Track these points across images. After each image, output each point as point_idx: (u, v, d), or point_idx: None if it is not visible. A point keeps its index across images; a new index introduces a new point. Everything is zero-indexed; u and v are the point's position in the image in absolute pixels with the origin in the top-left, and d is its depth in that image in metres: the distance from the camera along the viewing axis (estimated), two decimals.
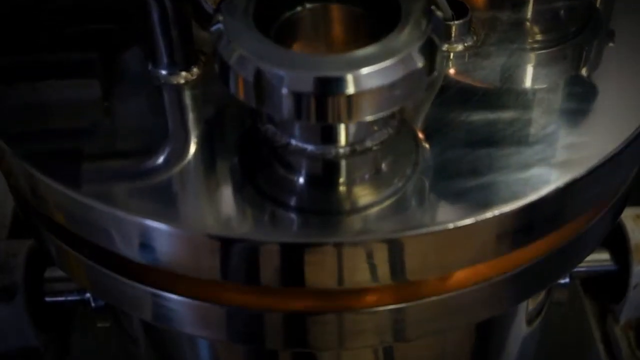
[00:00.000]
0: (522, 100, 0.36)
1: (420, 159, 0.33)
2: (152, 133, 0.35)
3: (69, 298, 0.51)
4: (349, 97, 0.28)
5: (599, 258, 0.56)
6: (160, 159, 0.34)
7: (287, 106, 0.29)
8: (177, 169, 0.33)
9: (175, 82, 0.37)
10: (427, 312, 0.35)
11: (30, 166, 0.34)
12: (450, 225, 0.31)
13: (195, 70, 0.37)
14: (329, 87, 0.28)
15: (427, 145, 0.34)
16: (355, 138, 0.32)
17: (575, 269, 0.48)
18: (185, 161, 0.34)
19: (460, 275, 0.35)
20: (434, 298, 0.34)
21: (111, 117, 0.36)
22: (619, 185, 0.37)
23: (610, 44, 0.39)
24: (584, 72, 0.38)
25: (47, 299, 0.52)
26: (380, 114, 0.30)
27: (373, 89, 0.29)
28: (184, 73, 0.37)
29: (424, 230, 0.31)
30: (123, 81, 0.37)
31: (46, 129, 0.36)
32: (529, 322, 0.47)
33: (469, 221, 0.31)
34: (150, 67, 0.37)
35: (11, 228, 0.60)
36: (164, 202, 0.32)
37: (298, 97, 0.29)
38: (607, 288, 0.58)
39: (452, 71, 0.38)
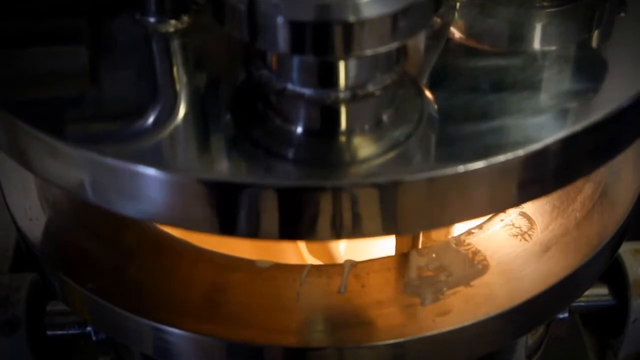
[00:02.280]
0: (532, 48, 0.34)
1: (426, 105, 0.31)
2: (140, 83, 0.33)
3: (70, 331, 0.51)
4: (350, 26, 0.26)
5: (598, 292, 0.56)
6: (149, 110, 0.31)
7: (282, 38, 0.27)
8: (166, 120, 0.31)
9: (164, 30, 0.34)
10: (426, 346, 0.35)
11: (13, 115, 0.31)
12: (461, 169, 0.28)
13: (185, 18, 0.34)
14: (328, 14, 0.26)
15: (433, 91, 0.31)
16: (356, 81, 0.29)
17: (574, 304, 0.48)
18: (175, 112, 0.31)
19: (460, 309, 0.35)
20: (433, 332, 0.35)
21: (97, 67, 0.34)
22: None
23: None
24: (596, 26, 0.36)
25: (49, 332, 0.52)
26: (383, 48, 0.28)
27: (375, 18, 0.26)
28: (173, 21, 0.34)
29: (432, 174, 0.28)
30: (109, 30, 0.35)
31: (29, 79, 0.33)
32: (529, 356, 0.47)
33: (480, 164, 0.28)
34: (137, 15, 0.35)
35: (13, 261, 0.60)
36: (155, 151, 0.30)
37: (295, 27, 0.26)
38: (606, 322, 0.58)
39: (458, 22, 0.35)
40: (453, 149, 0.29)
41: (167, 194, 0.29)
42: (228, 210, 0.29)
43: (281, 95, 0.29)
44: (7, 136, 0.32)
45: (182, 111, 0.31)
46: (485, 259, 0.37)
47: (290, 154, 0.29)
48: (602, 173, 0.41)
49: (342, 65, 0.29)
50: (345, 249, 0.54)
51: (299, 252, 0.57)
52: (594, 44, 0.35)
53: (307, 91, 0.29)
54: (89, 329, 0.50)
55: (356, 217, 0.29)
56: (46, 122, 0.30)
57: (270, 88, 0.30)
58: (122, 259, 0.38)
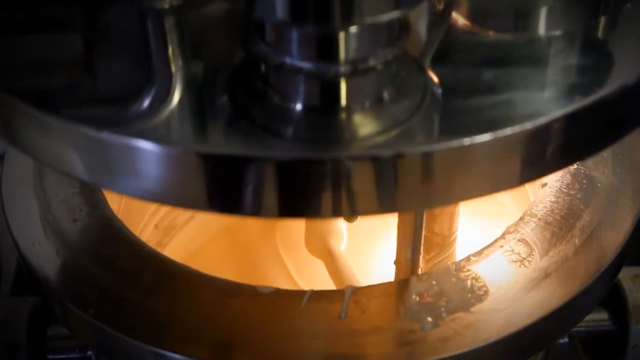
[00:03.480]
0: (538, 26, 0.33)
1: (429, 84, 0.30)
2: (135, 61, 0.32)
3: (71, 355, 0.51)
4: None
5: (598, 318, 0.56)
6: (144, 88, 0.30)
7: (281, 5, 0.26)
8: (162, 98, 0.30)
9: (159, 6, 0.33)
10: None
11: (6, 94, 0.30)
12: (467, 141, 0.27)
13: None
14: None
15: (437, 67, 0.31)
16: (357, 55, 0.28)
17: (574, 329, 0.48)
18: (171, 89, 0.30)
19: (460, 335, 0.35)
20: (434, 358, 0.35)
21: (90, 45, 0.33)
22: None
23: None
24: (604, 6, 0.34)
25: (50, 356, 0.51)
26: (385, 16, 0.27)
27: None
28: None
29: (436, 147, 0.27)
30: (102, 6, 0.34)
31: (20, 57, 0.33)
32: None
33: (486, 137, 0.27)
34: None
35: (14, 285, 0.60)
36: (152, 126, 0.29)
37: None
38: (606, 348, 0.58)
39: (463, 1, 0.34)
40: (457, 122, 0.28)
41: (163, 169, 0.28)
42: (225, 185, 0.28)
43: (279, 70, 0.28)
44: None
45: (178, 89, 0.30)
46: (485, 285, 0.37)
47: (289, 130, 0.28)
48: (600, 199, 0.41)
49: (342, 37, 0.28)
50: (345, 249, 0.54)
51: (293, 280, 0.57)
52: (602, 23, 0.34)
53: (306, 65, 0.28)
54: (89, 353, 0.50)
55: (356, 192, 0.28)
56: (39, 99, 0.30)
57: (268, 63, 0.29)
58: (124, 284, 0.38)
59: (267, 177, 0.27)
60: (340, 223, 0.54)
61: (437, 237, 0.43)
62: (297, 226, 0.57)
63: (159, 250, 0.41)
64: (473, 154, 0.28)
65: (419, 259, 0.40)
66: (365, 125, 0.28)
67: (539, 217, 0.40)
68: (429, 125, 0.28)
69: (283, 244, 0.59)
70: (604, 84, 0.30)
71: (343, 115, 0.29)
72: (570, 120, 0.29)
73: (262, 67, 0.29)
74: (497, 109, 0.29)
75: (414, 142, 0.27)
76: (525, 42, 0.32)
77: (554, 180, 0.42)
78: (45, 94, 0.30)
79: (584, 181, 0.42)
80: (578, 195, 0.41)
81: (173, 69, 0.31)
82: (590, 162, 0.43)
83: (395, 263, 0.41)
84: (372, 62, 0.28)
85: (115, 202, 0.48)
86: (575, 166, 0.43)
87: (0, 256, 0.57)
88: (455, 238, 0.44)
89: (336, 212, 0.28)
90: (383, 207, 0.28)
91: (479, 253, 0.38)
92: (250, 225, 0.61)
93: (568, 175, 0.42)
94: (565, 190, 0.41)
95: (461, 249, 0.44)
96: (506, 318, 0.36)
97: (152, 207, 0.55)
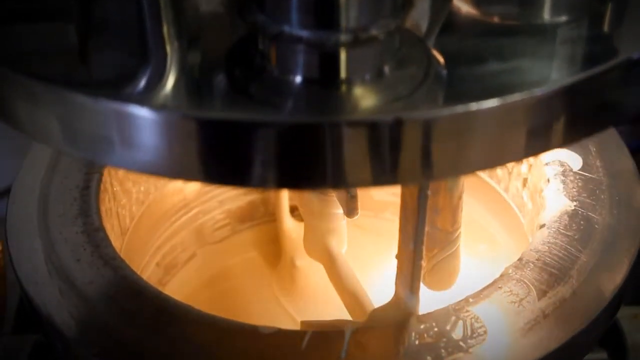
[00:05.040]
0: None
1: (434, 57, 0.29)
2: (129, 30, 0.31)
3: None
4: None
5: (597, 357, 0.56)
6: (138, 59, 0.29)
7: None
8: (157, 75, 0.29)
9: None
10: None
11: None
12: (473, 106, 0.26)
13: None
14: None
15: (442, 37, 0.30)
16: (358, 23, 0.27)
17: None
18: (166, 67, 0.29)
19: None
20: None
21: (82, 14, 0.32)
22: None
23: None
24: None
25: None
26: None
27: None
28: None
29: (440, 112, 0.26)
30: None
31: (8, 24, 0.32)
32: None
33: (493, 102, 0.26)
34: None
35: (15, 323, 0.60)
36: (146, 96, 0.28)
37: None
38: None
39: None
40: (461, 89, 0.27)
41: (158, 136, 0.27)
42: (220, 153, 0.27)
43: (278, 40, 0.27)
44: None
45: (174, 66, 0.29)
46: (483, 326, 0.37)
47: (289, 103, 0.27)
48: (598, 241, 0.41)
49: (342, 3, 0.26)
50: (346, 253, 0.53)
51: (293, 319, 0.57)
52: None
53: (305, 33, 0.27)
54: None
55: (355, 161, 0.26)
56: (29, 69, 0.29)
57: (266, 33, 0.27)
58: (126, 323, 0.38)
59: (263, 144, 0.26)
60: (341, 223, 0.52)
61: (440, 232, 0.42)
62: (295, 268, 0.57)
63: (160, 288, 0.41)
64: (479, 120, 0.26)
65: (421, 250, 0.38)
66: (366, 98, 0.27)
67: (537, 258, 0.40)
68: (432, 99, 0.27)
69: (281, 287, 0.59)
70: (612, 54, 0.29)
71: (343, 88, 0.27)
72: (580, 88, 0.28)
73: (260, 41, 0.28)
74: (503, 77, 0.28)
75: (422, 102, 0.26)
76: (531, 13, 0.31)
77: (552, 222, 0.42)
78: (35, 64, 0.29)
79: (582, 222, 0.42)
80: (576, 237, 0.41)
81: (169, 45, 0.30)
82: (587, 203, 0.43)
83: (397, 257, 0.40)
84: (373, 32, 0.27)
85: (118, 241, 0.49)
86: (572, 207, 0.43)
87: (4, 294, 0.58)
88: (459, 235, 0.43)
89: (335, 182, 0.27)
90: (383, 177, 0.27)
91: (478, 294, 0.39)
92: (249, 265, 0.61)
93: (566, 217, 0.43)
94: (563, 232, 0.42)
95: (460, 288, 0.44)
96: (505, 359, 0.36)
97: (154, 245, 0.56)
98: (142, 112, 0.27)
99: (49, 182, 0.46)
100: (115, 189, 0.49)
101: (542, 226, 0.42)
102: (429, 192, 0.37)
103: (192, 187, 0.58)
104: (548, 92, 0.27)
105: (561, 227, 0.42)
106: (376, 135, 0.26)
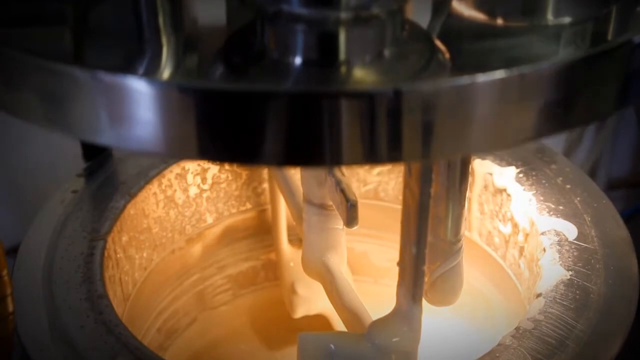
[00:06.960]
0: None
1: (437, 47, 0.28)
2: (126, 11, 0.30)
3: None
4: None
5: None
6: (134, 40, 0.29)
7: None
8: (157, 55, 0.28)
9: None
10: None
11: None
12: (480, 78, 0.25)
13: None
14: None
15: (444, 13, 0.29)
16: (358, 0, 0.26)
17: None
18: (163, 51, 0.28)
19: None
20: None
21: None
22: None
23: None
24: None
25: None
26: None
27: None
28: None
29: (443, 83, 0.25)
30: None
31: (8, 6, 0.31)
32: None
33: (500, 74, 0.25)
34: None
35: None
36: (142, 73, 0.26)
37: None
38: None
39: None
40: (465, 61, 0.26)
41: (154, 109, 0.26)
42: (217, 127, 0.26)
43: (277, 19, 0.26)
44: None
45: (171, 50, 0.28)
46: None
47: (288, 83, 0.26)
48: (593, 310, 0.42)
49: None
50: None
51: None
52: None
53: (304, 11, 0.26)
54: None
55: (353, 136, 0.25)
56: (25, 45, 0.28)
57: (264, 12, 0.27)
58: None
59: (260, 115, 0.25)
60: (341, 239, 0.50)
61: (442, 242, 0.41)
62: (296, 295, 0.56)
63: (161, 353, 0.42)
64: (482, 94, 0.25)
65: (424, 253, 0.36)
66: (366, 80, 0.26)
67: (534, 327, 0.41)
68: (442, 54, 0.27)
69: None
70: (619, 34, 0.28)
71: (343, 69, 0.26)
72: (590, 63, 0.27)
73: (259, 23, 0.28)
74: (508, 52, 0.27)
75: (425, 75, 0.25)
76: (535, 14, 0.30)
77: (548, 291, 0.43)
78: (31, 41, 0.29)
79: (578, 292, 0.43)
80: (572, 306, 0.42)
81: (164, 36, 0.29)
82: (583, 273, 0.44)
83: (398, 264, 0.38)
84: (374, 10, 0.26)
85: (121, 307, 0.49)
86: (568, 276, 0.44)
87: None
88: (461, 246, 0.42)
89: (333, 159, 0.26)
90: (382, 153, 0.26)
91: None
92: (250, 329, 0.62)
93: (562, 286, 0.43)
94: (559, 301, 0.42)
95: (458, 354, 0.44)
96: None
97: (156, 310, 0.56)
98: (140, 85, 0.26)
99: (54, 249, 0.47)
100: (118, 255, 0.49)
101: (539, 295, 0.43)
102: (431, 192, 0.35)
103: (194, 254, 0.59)
104: (551, 66, 0.26)
105: (557, 297, 0.43)
106: (375, 107, 0.25)
